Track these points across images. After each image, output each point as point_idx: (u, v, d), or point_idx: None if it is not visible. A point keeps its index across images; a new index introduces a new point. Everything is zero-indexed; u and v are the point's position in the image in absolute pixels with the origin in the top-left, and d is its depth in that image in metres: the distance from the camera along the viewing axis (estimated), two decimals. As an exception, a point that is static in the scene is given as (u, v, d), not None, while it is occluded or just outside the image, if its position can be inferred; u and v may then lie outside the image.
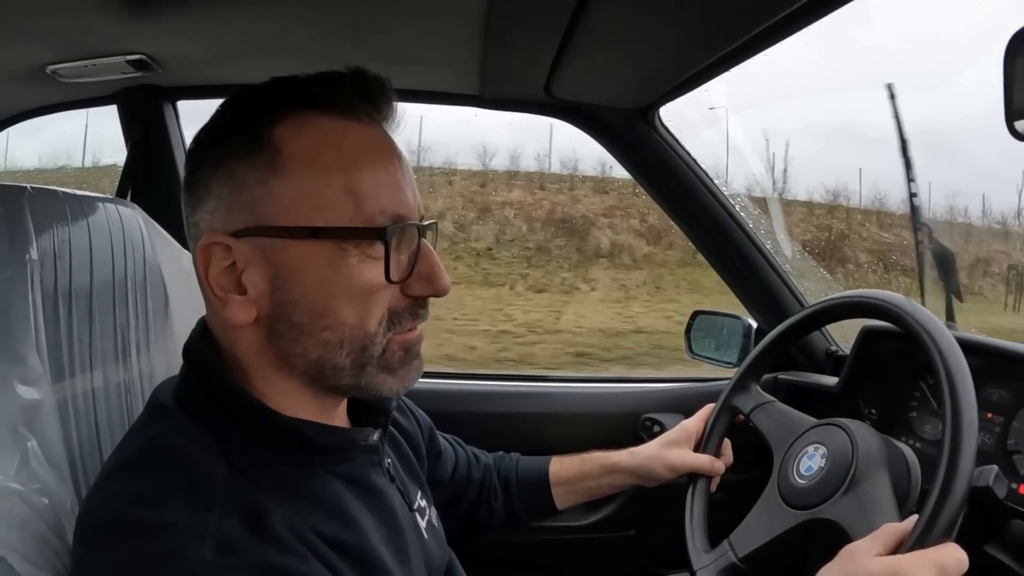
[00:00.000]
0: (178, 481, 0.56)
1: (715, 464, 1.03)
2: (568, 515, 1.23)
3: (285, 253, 0.61)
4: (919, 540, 0.68)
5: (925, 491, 0.75)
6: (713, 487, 1.04)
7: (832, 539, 0.78)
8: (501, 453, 1.12)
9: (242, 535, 0.53)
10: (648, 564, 1.45)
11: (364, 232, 0.61)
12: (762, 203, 1.57)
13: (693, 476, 1.03)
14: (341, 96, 0.64)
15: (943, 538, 0.68)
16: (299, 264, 0.61)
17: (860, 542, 0.71)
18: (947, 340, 0.78)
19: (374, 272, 0.62)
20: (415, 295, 0.66)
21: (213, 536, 0.52)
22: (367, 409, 0.77)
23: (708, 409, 1.10)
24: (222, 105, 0.66)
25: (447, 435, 1.06)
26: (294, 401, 0.65)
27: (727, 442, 1.07)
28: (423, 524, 0.79)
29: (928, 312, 0.83)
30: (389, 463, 0.77)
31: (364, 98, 0.65)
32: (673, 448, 1.06)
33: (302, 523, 0.58)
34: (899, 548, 0.69)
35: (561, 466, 1.08)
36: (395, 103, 0.68)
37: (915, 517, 0.70)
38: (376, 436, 0.74)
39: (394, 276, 0.62)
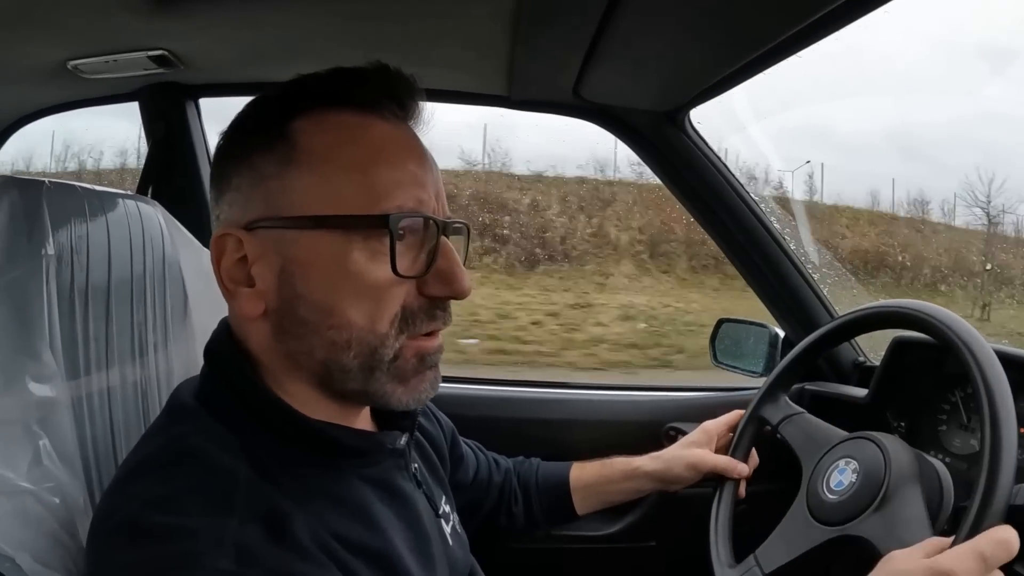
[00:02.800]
0: (198, 484, 0.55)
1: (738, 466, 1.01)
2: (588, 524, 1.20)
3: (293, 246, 0.60)
4: None
5: (958, 509, 0.73)
6: (741, 491, 1.01)
7: (860, 555, 0.76)
8: (521, 458, 1.11)
9: (262, 543, 0.52)
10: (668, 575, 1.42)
11: (369, 221, 0.59)
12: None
13: (719, 484, 1.01)
14: (364, 92, 0.63)
15: None
16: (305, 258, 0.60)
17: (902, 550, 0.68)
18: (986, 353, 0.75)
19: (381, 270, 0.60)
20: (432, 295, 0.63)
21: (232, 544, 0.51)
22: (392, 412, 0.75)
23: (733, 414, 1.08)
24: (250, 101, 0.66)
25: (468, 440, 1.05)
26: (308, 407, 0.63)
27: (753, 452, 1.05)
28: (447, 530, 0.78)
29: (966, 323, 0.80)
30: (416, 468, 0.76)
31: (388, 95, 0.64)
32: (693, 448, 1.04)
33: (325, 529, 0.57)
34: None
35: (582, 471, 1.07)
36: (421, 101, 0.66)
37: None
38: (403, 440, 0.73)
39: (403, 269, 0.60)
